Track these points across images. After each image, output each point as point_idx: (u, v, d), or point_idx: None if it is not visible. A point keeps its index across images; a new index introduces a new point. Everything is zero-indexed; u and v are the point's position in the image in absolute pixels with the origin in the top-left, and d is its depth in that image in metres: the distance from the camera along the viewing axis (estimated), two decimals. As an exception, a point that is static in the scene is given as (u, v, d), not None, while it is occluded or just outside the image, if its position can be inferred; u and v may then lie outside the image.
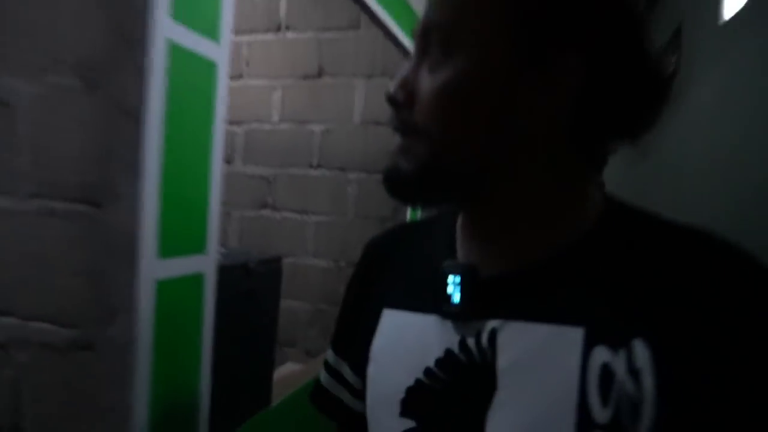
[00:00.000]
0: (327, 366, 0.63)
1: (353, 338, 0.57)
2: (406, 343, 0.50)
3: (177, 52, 0.79)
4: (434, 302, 0.48)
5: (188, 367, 0.87)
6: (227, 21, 0.89)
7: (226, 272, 0.92)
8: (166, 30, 0.77)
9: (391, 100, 0.48)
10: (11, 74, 0.90)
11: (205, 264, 0.88)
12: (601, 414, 0.39)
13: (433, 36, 0.45)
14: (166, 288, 0.80)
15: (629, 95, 0.44)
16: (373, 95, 2.24)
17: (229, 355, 0.95)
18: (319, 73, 2.26)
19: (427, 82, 0.45)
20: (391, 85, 0.48)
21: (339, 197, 2.23)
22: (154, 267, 0.77)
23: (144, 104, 0.77)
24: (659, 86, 0.45)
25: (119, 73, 0.82)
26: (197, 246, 0.86)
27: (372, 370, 0.53)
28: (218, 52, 0.87)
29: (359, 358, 0.55)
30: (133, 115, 0.80)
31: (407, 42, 2.07)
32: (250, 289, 0.98)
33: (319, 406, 0.63)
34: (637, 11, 0.44)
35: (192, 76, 0.82)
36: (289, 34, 2.27)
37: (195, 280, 0.86)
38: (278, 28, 2.29)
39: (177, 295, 0.82)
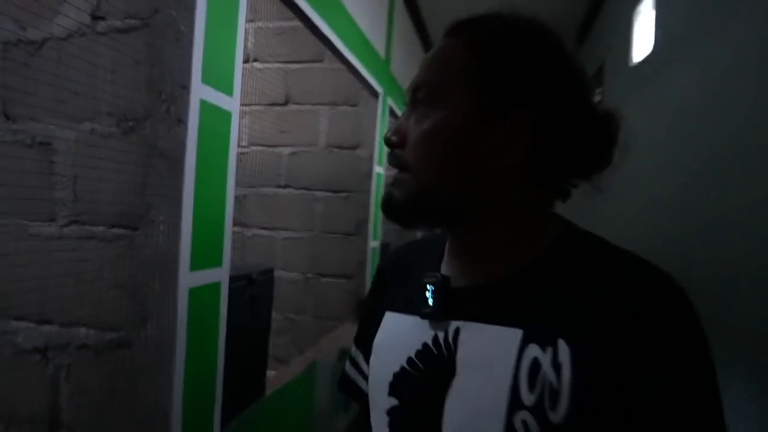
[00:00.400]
0: (350, 357, 0.74)
1: (367, 335, 0.68)
2: (397, 338, 0.60)
3: (205, 106, 0.99)
4: (417, 306, 0.58)
5: (209, 360, 1.06)
6: (238, 78, 1.10)
7: (236, 281, 1.12)
8: (199, 92, 0.97)
9: (388, 142, 0.58)
10: (49, 119, 1.07)
11: (221, 275, 1.08)
12: (528, 398, 0.47)
13: (419, 94, 0.56)
14: (195, 294, 0.99)
15: (578, 142, 0.53)
16: (337, 122, 2.46)
17: (236, 350, 1.15)
18: (286, 101, 2.46)
19: (414, 129, 0.56)
20: (389, 131, 0.59)
21: (306, 215, 2.44)
22: (187, 278, 0.97)
23: (182, 148, 0.96)
24: (604, 134, 0.55)
25: (153, 122, 1.01)
26: (216, 260, 1.06)
27: (373, 359, 0.63)
28: (232, 103, 1.08)
29: (369, 351, 0.65)
30: (167, 155, 0.99)
31: (367, 75, 2.30)
32: (252, 295, 1.18)
33: (343, 389, 0.74)
34: (580, 76, 0.54)
35: (215, 123, 1.03)
36: (257, 65, 2.46)
37: (214, 288, 1.06)
38: (247, 60, 2.47)
39: (202, 300, 1.01)
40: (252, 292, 1.18)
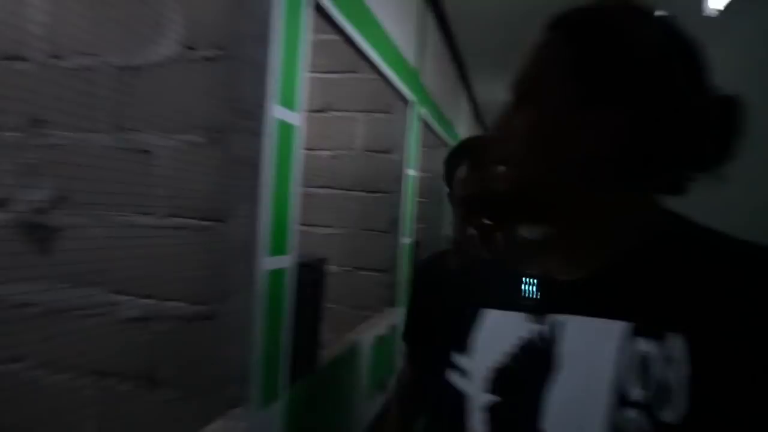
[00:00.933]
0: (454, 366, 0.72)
1: (456, 333, 0.67)
2: (495, 334, 0.59)
3: (279, 123, 1.21)
4: (516, 301, 0.57)
5: (279, 330, 1.29)
6: (301, 96, 1.33)
7: (301, 267, 1.34)
8: (272, 110, 1.19)
9: (489, 138, 0.61)
10: (150, 131, 1.31)
11: (290, 261, 1.30)
12: (635, 394, 0.45)
13: (519, 88, 0.57)
14: (271, 276, 1.22)
15: (683, 134, 0.51)
16: (372, 127, 2.68)
17: (298, 324, 1.37)
18: (325, 109, 2.69)
19: (515, 124, 0.55)
20: (489, 127, 0.59)
21: (344, 213, 2.66)
22: (265, 262, 1.19)
23: (258, 155, 1.19)
24: (718, 124, 0.51)
25: (235, 134, 1.23)
26: (286, 248, 1.28)
27: (468, 357, 0.62)
28: (298, 118, 1.30)
29: (457, 348, 0.64)
30: (246, 162, 1.22)
31: (399, 84, 2.51)
32: (311, 280, 1.40)
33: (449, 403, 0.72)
34: (691, 63, 0.51)
35: (284, 136, 1.25)
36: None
37: (285, 271, 1.28)
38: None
39: (275, 281, 1.24)
40: (311, 277, 1.39)
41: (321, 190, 2.69)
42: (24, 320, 1.41)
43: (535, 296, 0.56)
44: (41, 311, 1.39)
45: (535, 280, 0.57)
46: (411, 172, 2.78)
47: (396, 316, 2.59)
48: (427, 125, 3.22)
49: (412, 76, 2.76)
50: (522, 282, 0.58)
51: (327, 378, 1.67)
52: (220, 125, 1.25)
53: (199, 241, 1.27)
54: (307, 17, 1.33)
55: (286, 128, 1.26)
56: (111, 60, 1.34)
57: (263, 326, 1.22)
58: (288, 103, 1.26)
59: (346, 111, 2.72)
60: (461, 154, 1.22)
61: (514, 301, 0.58)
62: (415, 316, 1.35)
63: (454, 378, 0.68)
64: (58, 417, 1.39)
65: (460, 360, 0.67)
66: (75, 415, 1.39)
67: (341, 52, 2.50)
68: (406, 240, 2.76)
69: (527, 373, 0.54)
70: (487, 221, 0.61)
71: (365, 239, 2.68)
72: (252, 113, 1.22)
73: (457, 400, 0.65)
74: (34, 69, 1.41)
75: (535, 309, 0.55)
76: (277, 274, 1.25)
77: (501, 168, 0.57)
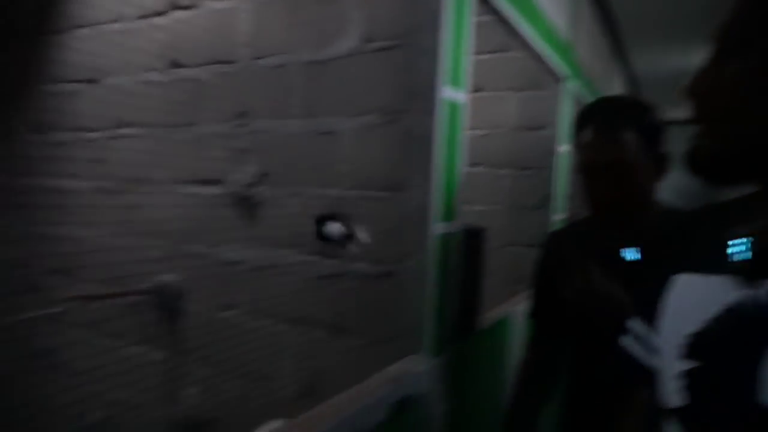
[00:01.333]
0: (629, 331, 0.71)
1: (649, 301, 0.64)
2: (693, 299, 0.56)
3: (446, 102, 1.34)
4: (723, 265, 0.53)
5: (447, 289, 1.43)
6: (466, 76, 1.44)
7: (465, 233, 1.47)
8: (443, 92, 1.32)
9: (690, 92, 0.55)
10: (335, 115, 1.52)
11: (455, 227, 1.43)
12: None
13: (722, 40, 0.54)
14: (441, 239, 1.36)
15: None
16: (523, 105, 2.71)
17: (462, 287, 1.50)
18: (478, 89, 2.78)
19: (719, 77, 0.52)
20: (688, 82, 0.55)
21: (495, 190, 2.74)
22: (437, 226, 1.34)
23: (430, 133, 1.33)
24: None
25: (408, 115, 1.39)
26: (452, 215, 1.42)
27: (661, 322, 0.60)
28: (463, 96, 1.42)
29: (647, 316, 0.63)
30: (421, 138, 1.36)
31: (551, 60, 2.50)
32: (475, 245, 1.52)
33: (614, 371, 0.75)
34: None
35: (452, 113, 1.38)
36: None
37: (451, 236, 1.42)
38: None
39: (444, 245, 1.38)
40: (474, 242, 1.51)
41: (472, 169, 2.79)
42: (236, 275, 1.73)
43: (746, 258, 0.52)
44: (249, 268, 1.69)
45: (748, 241, 0.52)
46: (563, 149, 2.76)
47: (547, 292, 2.62)
48: (579, 100, 3.14)
49: (565, 51, 2.72)
50: (728, 244, 0.53)
51: (483, 342, 1.78)
52: (395, 107, 1.42)
53: (379, 209, 1.45)
54: (471, 2, 1.43)
55: (453, 107, 1.38)
56: (302, 57, 1.57)
57: (435, 285, 1.37)
58: (456, 83, 1.38)
59: (497, 90, 2.77)
60: (588, 116, 1.21)
61: (716, 264, 0.54)
62: (544, 290, 1.38)
63: (629, 345, 0.67)
64: (262, 355, 1.69)
65: (636, 326, 0.66)
66: (276, 354, 1.67)
67: (491, 33, 2.56)
68: (558, 216, 2.76)
69: (739, 340, 0.50)
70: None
71: (516, 216, 2.73)
72: (424, 95, 1.36)
73: (635, 369, 0.63)
74: (240, 69, 1.70)
75: (747, 272, 0.51)
76: (446, 238, 1.39)
77: (708, 125, 0.54)
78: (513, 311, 2.10)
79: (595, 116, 1.17)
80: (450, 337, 1.47)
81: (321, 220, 1.43)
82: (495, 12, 1.86)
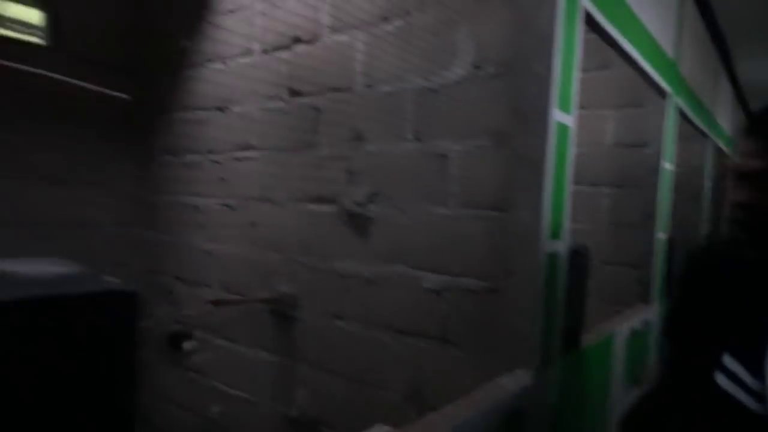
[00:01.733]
0: (724, 368, 0.67)
1: (739, 335, 0.63)
2: None
3: (557, 125, 1.40)
4: None
5: (556, 305, 1.47)
6: (575, 100, 1.49)
7: (572, 251, 1.51)
8: (555, 115, 1.38)
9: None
10: (445, 138, 1.61)
11: (563, 246, 1.48)
12: None
13: None
14: (549, 257, 1.41)
15: None
16: (623, 122, 2.68)
17: (568, 302, 1.53)
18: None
19: None
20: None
21: (593, 208, 2.72)
22: (545, 245, 1.39)
23: (541, 155, 1.39)
24: None
25: (517, 137, 1.46)
26: (559, 234, 1.46)
27: (755, 363, 0.58)
28: (571, 119, 1.47)
29: (734, 351, 0.62)
30: (531, 160, 1.43)
31: (654, 75, 2.46)
32: (580, 264, 1.55)
33: (713, 404, 0.69)
34: None
35: (561, 136, 1.43)
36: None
37: (559, 255, 1.46)
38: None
39: (552, 263, 1.43)
40: (579, 261, 1.55)
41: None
42: (347, 287, 1.86)
43: None
44: (360, 280, 1.82)
45: None
46: (667, 166, 2.68)
47: (650, 313, 2.55)
48: (683, 116, 3.04)
49: (668, 67, 2.67)
50: None
51: (587, 360, 1.79)
52: (504, 130, 1.50)
53: (487, 228, 1.53)
54: (579, 29, 1.49)
55: (562, 129, 1.44)
56: (413, 84, 1.70)
57: (542, 301, 1.42)
58: (564, 106, 1.44)
59: (596, 108, 2.76)
60: (757, 124, 1.15)
61: None
62: (685, 309, 1.38)
63: (723, 382, 0.63)
64: (371, 362, 1.80)
65: (733, 365, 0.61)
66: (384, 362, 1.78)
67: (592, 51, 2.57)
68: (660, 235, 2.68)
69: None
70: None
71: (614, 234, 2.69)
72: (534, 118, 1.43)
73: (729, 407, 0.60)
74: (355, 97, 1.86)
75: None
76: (554, 257, 1.44)
77: None
78: (617, 330, 2.08)
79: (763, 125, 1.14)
80: (556, 353, 1.51)
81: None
82: (600, 32, 1.90)
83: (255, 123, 2.16)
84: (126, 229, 2.69)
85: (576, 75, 1.50)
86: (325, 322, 1.94)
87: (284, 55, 2.05)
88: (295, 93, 2.03)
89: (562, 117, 1.43)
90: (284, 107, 2.05)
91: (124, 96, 2.71)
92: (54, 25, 2.49)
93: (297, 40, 2.01)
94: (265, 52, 2.13)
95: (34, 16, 2.49)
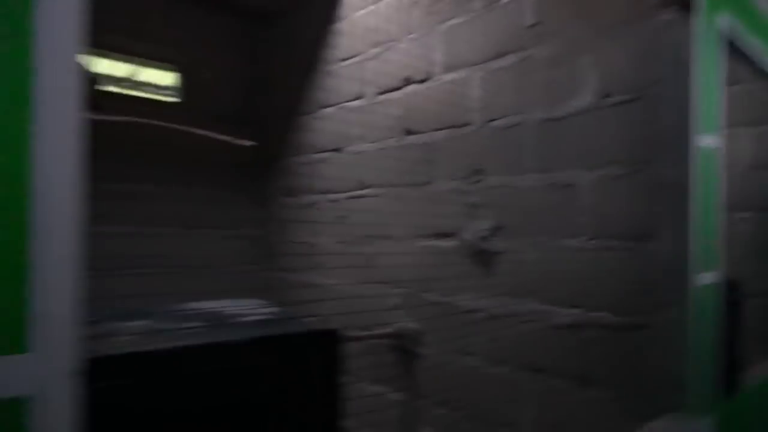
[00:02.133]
0: None
1: None
2: None
3: (700, 148, 1.31)
4: None
5: (709, 344, 1.35)
6: (721, 119, 1.39)
7: (725, 283, 1.38)
8: (698, 139, 1.30)
9: None
10: (572, 168, 1.56)
11: (716, 277, 1.36)
12: None
13: None
14: (701, 291, 1.30)
15: None
16: (761, 141, 2.46)
17: (720, 342, 1.39)
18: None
19: None
20: None
21: (733, 235, 2.49)
22: (696, 277, 1.29)
23: (686, 181, 1.30)
24: None
25: (655, 164, 1.38)
26: (711, 265, 1.35)
27: None
28: (718, 141, 1.37)
29: None
30: (673, 187, 1.34)
31: None
32: (735, 296, 1.42)
33: None
34: None
35: (705, 159, 1.33)
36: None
37: (712, 288, 1.35)
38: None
39: (705, 296, 1.31)
40: (733, 294, 1.41)
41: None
42: (472, 322, 1.83)
43: None
44: (486, 316, 1.79)
45: None
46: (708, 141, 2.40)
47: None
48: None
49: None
50: None
51: (752, 403, 1.61)
52: (639, 157, 1.42)
53: (623, 259, 1.45)
54: (719, 48, 1.40)
55: (707, 152, 1.34)
56: (534, 115, 1.67)
57: (695, 338, 1.30)
58: (708, 128, 1.34)
59: (728, 126, 2.55)
60: None
61: None
62: None
63: None
64: (499, 400, 1.74)
65: None
66: (513, 400, 1.72)
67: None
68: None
69: None
70: None
71: (764, 264, 2.43)
72: (672, 143, 1.35)
73: None
74: (472, 132, 1.86)
75: None
76: (706, 290, 1.32)
77: None
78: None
79: None
80: (714, 396, 1.37)
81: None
82: (741, 52, 1.77)
83: (370, 161, 2.23)
84: (248, 269, 2.87)
85: (720, 95, 1.41)
86: (449, 358, 1.92)
87: (396, 95, 2.12)
88: (407, 132, 2.08)
89: (706, 140, 1.34)
90: (398, 145, 2.11)
91: (246, 143, 2.93)
92: (181, 84, 2.78)
93: (409, 81, 2.07)
94: (377, 94, 2.21)
95: (165, 77, 2.80)
